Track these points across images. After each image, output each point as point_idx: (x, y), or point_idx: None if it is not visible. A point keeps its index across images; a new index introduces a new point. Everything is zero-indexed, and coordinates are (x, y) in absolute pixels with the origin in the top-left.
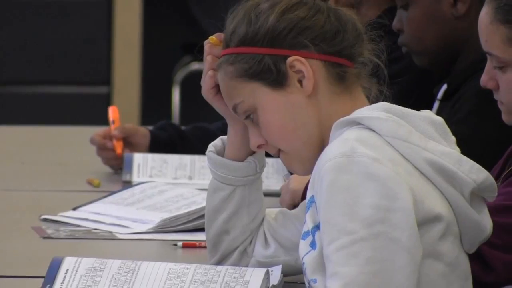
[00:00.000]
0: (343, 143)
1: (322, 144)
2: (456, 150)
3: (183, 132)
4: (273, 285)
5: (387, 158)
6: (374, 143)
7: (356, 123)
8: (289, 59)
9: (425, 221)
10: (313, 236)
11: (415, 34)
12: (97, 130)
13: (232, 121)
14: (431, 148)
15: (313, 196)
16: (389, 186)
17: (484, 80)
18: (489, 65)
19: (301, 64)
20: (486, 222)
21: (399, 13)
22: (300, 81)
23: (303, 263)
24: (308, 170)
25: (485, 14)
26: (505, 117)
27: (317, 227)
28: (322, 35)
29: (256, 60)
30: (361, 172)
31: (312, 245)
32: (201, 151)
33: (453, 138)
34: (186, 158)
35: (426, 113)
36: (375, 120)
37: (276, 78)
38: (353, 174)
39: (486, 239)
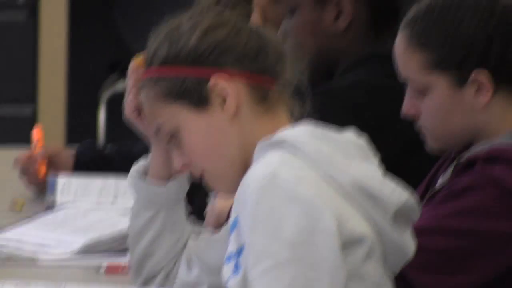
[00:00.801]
0: (266, 165)
1: (245, 164)
2: (379, 171)
3: (106, 152)
4: None
5: (310, 180)
6: (298, 165)
7: (280, 144)
8: (211, 80)
9: (349, 243)
10: (237, 259)
11: (297, 40)
12: (21, 153)
13: (155, 142)
14: (354, 169)
15: (236, 217)
16: (312, 209)
17: (406, 108)
18: (409, 92)
19: (223, 85)
20: (409, 244)
21: (284, 23)
22: (222, 102)
23: (227, 287)
24: (233, 191)
25: (399, 41)
26: (430, 144)
27: (241, 249)
28: (244, 55)
29: (178, 81)
30: (284, 194)
31: (236, 268)
32: (125, 172)
33: (376, 159)
34: (111, 180)
35: (349, 134)
36: (298, 141)
37: (198, 99)
38: (277, 196)
39: (409, 260)
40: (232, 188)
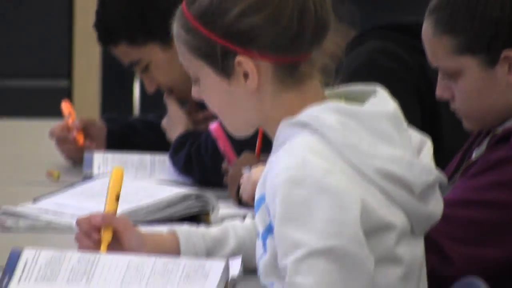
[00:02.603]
0: (294, 152)
1: (260, 126)
2: (408, 147)
3: (130, 123)
4: (232, 277)
5: (338, 169)
6: (325, 153)
7: (305, 126)
8: (238, 58)
9: (376, 230)
10: (264, 240)
11: None
12: (55, 124)
13: None
14: (381, 154)
15: (263, 195)
16: (341, 199)
17: (439, 91)
18: (440, 77)
19: (248, 66)
20: (436, 210)
21: None
22: (244, 78)
23: (258, 265)
24: (242, 136)
25: (426, 28)
26: (466, 125)
27: (267, 231)
28: (279, 41)
29: (209, 44)
30: (314, 185)
31: (264, 249)
32: (152, 140)
33: (405, 125)
34: (146, 158)
35: (379, 104)
36: (326, 127)
37: (223, 68)
38: (306, 187)
39: (436, 223)
40: (242, 135)
